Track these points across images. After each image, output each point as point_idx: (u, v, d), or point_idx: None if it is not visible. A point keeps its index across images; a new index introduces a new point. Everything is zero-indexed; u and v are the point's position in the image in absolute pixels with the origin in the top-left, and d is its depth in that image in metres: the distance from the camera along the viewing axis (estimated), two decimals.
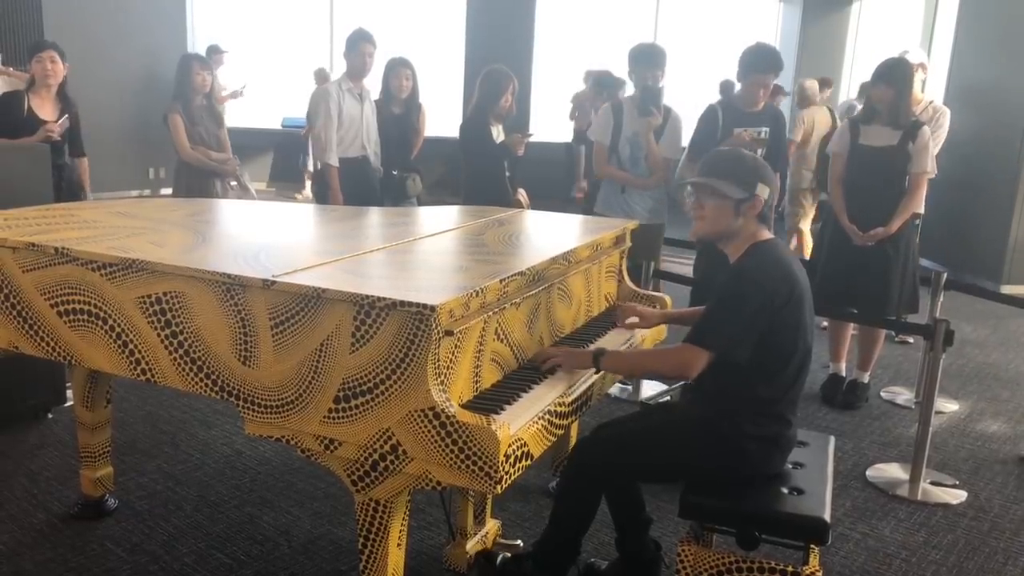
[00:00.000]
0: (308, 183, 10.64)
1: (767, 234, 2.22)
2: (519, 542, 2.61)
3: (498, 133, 4.50)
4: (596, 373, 2.20)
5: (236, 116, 9.46)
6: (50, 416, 3.64)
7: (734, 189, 2.15)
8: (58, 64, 4.22)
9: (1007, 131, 6.97)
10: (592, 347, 2.28)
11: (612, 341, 2.54)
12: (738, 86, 4.15)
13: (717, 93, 10.42)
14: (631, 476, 2.39)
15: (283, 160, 11.41)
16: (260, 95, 11.34)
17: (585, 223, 3.08)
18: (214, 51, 9.78)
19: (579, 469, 2.26)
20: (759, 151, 3.94)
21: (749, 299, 2.07)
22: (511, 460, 1.69)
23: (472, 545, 2.54)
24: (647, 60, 4.13)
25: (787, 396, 2.18)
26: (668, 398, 4.01)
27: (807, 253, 5.94)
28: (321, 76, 10.57)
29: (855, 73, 10.55)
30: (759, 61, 3.91)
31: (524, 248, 2.51)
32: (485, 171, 4.45)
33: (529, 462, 1.78)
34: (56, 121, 4.20)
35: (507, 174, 4.48)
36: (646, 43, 4.33)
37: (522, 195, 4.59)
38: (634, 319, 2.58)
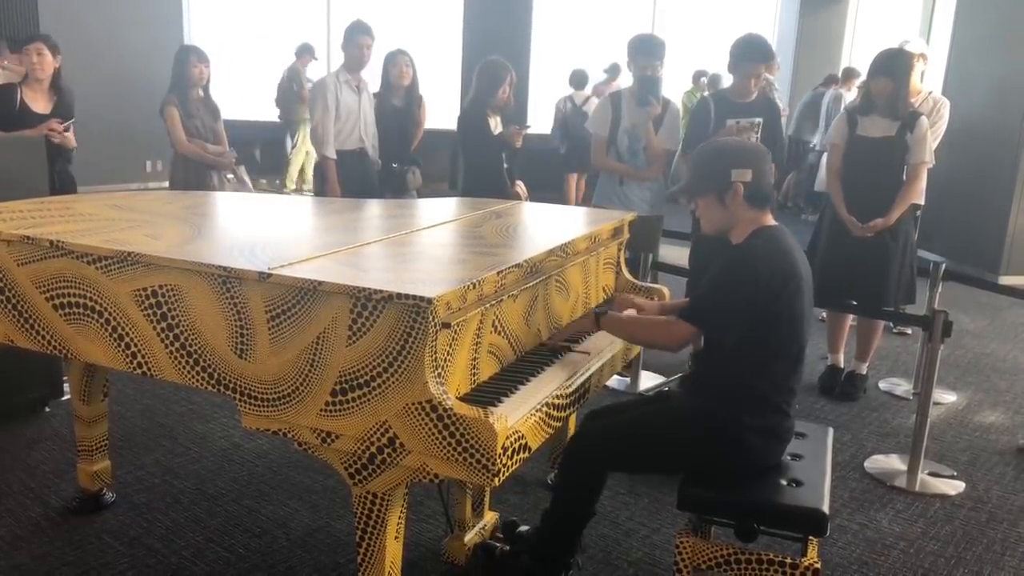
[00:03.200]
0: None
1: (771, 220, 2.22)
2: (526, 527, 2.59)
3: (496, 125, 4.48)
4: (597, 330, 2.29)
5: (230, 109, 9.44)
6: (47, 410, 3.63)
7: (706, 184, 2.21)
8: (45, 56, 4.18)
9: (1006, 122, 6.96)
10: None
11: None
12: (713, 76, 4.14)
13: (690, 82, 10.44)
14: (629, 468, 2.38)
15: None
16: (254, 87, 11.32)
17: (583, 215, 3.08)
18: (305, 51, 10.07)
19: (577, 462, 2.26)
20: (753, 138, 3.92)
21: (744, 283, 2.07)
22: (509, 452, 1.68)
23: (470, 537, 2.54)
24: (646, 51, 4.11)
25: (784, 386, 2.17)
26: (667, 389, 4.01)
27: None
28: (293, 71, 10.56)
29: (854, 65, 10.52)
30: (750, 51, 3.89)
31: (522, 240, 2.50)
32: (483, 163, 4.44)
33: (527, 454, 1.78)
34: (60, 121, 4.18)
35: (505, 166, 4.47)
36: (645, 34, 4.31)
37: (520, 187, 4.58)
38: (631, 311, 2.57)
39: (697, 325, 2.12)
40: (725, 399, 2.15)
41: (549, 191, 8.94)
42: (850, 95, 8.87)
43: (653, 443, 2.23)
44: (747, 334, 2.09)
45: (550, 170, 9.44)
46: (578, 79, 9.49)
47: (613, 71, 10.10)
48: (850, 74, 9.32)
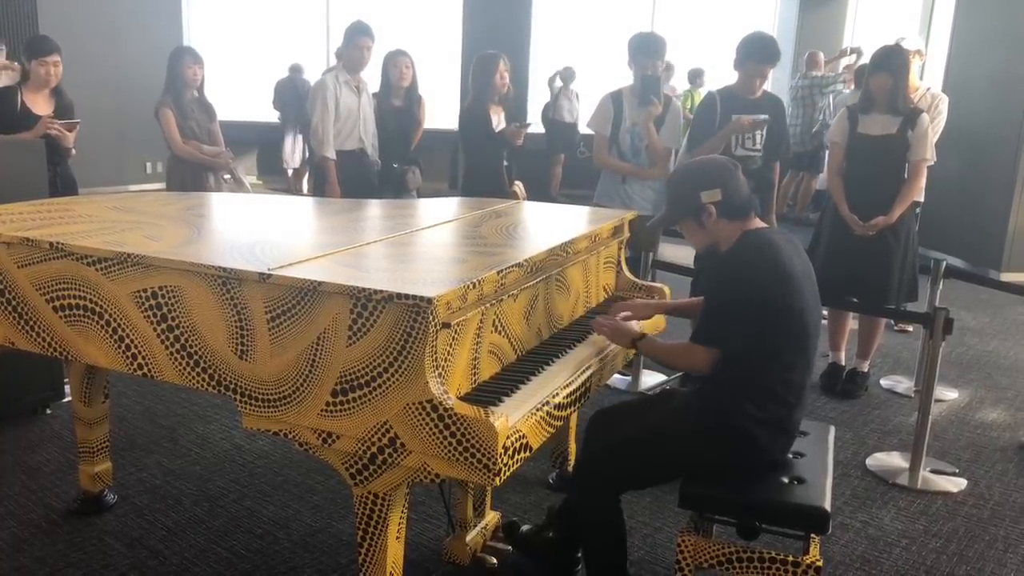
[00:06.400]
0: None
1: (756, 224, 2.24)
2: (527, 527, 2.58)
3: (499, 121, 4.48)
4: (633, 351, 2.35)
5: (227, 109, 9.48)
6: (48, 412, 3.63)
7: (681, 210, 2.27)
8: (60, 67, 4.21)
9: (1007, 118, 6.95)
10: (635, 329, 2.35)
11: None
12: (705, 75, 4.11)
13: (687, 82, 10.43)
14: (641, 484, 2.39)
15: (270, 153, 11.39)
16: (253, 88, 11.32)
17: (583, 214, 3.07)
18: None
19: (588, 494, 2.23)
20: (758, 134, 3.91)
21: (739, 285, 2.08)
22: (510, 452, 1.68)
23: (472, 537, 2.54)
24: (646, 49, 4.10)
25: (788, 379, 2.15)
26: (668, 387, 4.00)
27: None
28: (295, 70, 10.56)
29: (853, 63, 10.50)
30: (757, 51, 3.87)
31: (522, 239, 2.50)
32: (483, 161, 4.44)
33: (528, 453, 1.78)
34: (52, 116, 4.18)
35: (505, 164, 4.46)
36: (645, 32, 4.30)
37: (518, 187, 4.57)
38: (627, 313, 2.55)
39: (714, 346, 2.13)
40: (729, 394, 2.15)
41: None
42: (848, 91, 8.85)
43: (659, 452, 2.22)
44: (750, 330, 2.09)
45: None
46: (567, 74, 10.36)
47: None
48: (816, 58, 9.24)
